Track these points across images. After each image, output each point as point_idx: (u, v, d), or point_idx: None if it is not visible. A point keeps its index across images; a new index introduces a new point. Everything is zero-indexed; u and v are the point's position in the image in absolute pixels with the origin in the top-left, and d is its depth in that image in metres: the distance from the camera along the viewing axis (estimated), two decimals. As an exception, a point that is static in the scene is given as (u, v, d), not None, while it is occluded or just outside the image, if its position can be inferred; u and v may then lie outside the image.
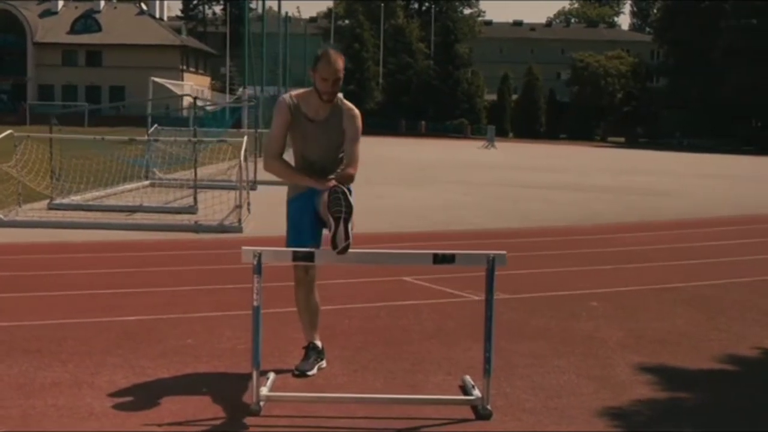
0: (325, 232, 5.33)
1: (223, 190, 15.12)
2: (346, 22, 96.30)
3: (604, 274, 9.69)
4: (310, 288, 5.63)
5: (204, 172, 17.25)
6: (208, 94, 77.59)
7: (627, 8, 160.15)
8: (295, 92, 5.54)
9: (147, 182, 18.28)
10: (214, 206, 13.47)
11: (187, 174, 16.65)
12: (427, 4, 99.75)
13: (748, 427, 4.83)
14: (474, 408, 4.90)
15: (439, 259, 4.76)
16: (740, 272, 10.04)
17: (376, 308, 7.57)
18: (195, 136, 15.01)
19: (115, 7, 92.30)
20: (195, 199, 14.45)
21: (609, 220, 15.53)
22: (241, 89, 53.72)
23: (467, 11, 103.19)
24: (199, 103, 27.79)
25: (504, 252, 4.84)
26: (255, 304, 4.74)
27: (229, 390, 5.19)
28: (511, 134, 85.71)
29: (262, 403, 4.79)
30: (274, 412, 4.79)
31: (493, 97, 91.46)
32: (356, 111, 5.50)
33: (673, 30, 75.43)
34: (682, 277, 9.56)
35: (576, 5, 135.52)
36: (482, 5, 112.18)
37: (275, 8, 67.08)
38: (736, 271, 10.11)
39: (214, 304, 7.51)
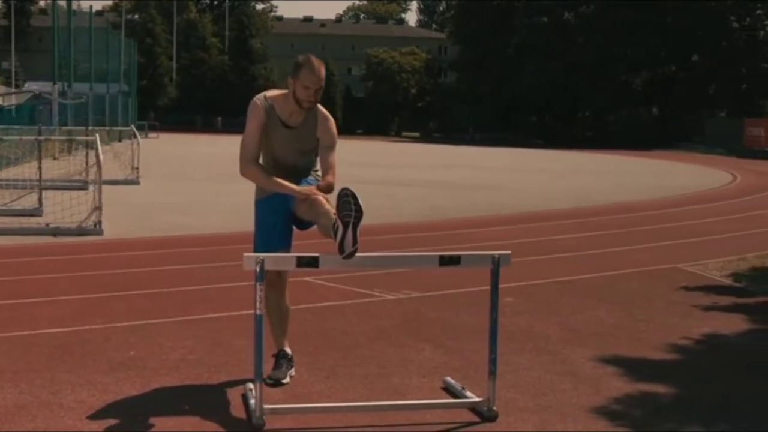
0: (305, 228, 5.14)
1: (57, 190, 14.54)
2: (136, 16, 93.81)
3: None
4: (281, 291, 5.43)
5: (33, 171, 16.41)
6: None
7: (414, 5, 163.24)
8: (269, 93, 5.32)
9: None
10: (55, 206, 12.85)
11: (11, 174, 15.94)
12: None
13: (743, 419, 4.97)
14: (474, 410, 4.84)
15: (445, 261, 4.68)
16: (611, 264, 10.32)
17: (300, 311, 7.32)
18: (40, 133, 14.20)
19: None
20: (40, 200, 13.73)
21: (455, 215, 15.74)
22: (27, 84, 51.61)
23: (260, 6, 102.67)
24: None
25: (509, 252, 4.85)
26: (258, 312, 4.51)
27: (213, 404, 4.94)
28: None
29: (266, 417, 4.56)
30: (276, 425, 4.58)
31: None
32: (331, 118, 5.34)
33: (467, 27, 77.48)
34: (563, 270, 9.79)
35: (365, 2, 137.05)
36: (273, 1, 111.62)
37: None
38: (607, 263, 10.38)
39: (130, 313, 7.13)
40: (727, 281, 9.33)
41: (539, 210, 16.91)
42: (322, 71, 5.13)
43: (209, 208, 15.74)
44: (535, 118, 78.73)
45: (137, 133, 23.46)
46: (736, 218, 15.85)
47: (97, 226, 11.91)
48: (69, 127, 24.96)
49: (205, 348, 6.11)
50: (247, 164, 5.20)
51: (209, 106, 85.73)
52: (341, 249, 4.56)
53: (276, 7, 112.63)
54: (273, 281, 5.29)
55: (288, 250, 5.28)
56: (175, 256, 10.31)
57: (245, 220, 13.53)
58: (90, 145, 18.59)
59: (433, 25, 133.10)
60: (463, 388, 5.12)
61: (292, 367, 5.48)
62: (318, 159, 5.41)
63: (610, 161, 41.06)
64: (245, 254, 4.62)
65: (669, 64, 73.54)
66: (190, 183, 21.36)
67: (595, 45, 67.43)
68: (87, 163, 12.28)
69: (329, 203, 4.90)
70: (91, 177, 17.03)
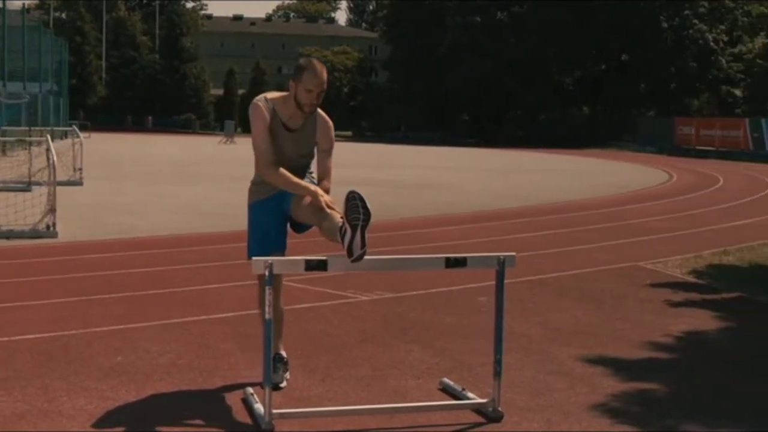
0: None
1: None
2: (63, 15, 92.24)
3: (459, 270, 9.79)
4: (277, 295, 5.36)
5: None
6: None
7: (344, 4, 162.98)
8: (270, 95, 5.26)
9: None
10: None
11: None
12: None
13: (740, 417, 5.05)
14: (479, 411, 4.86)
15: (451, 263, 4.69)
16: (573, 263, 10.42)
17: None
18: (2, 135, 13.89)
19: None
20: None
21: (407, 214, 15.74)
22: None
23: (190, 4, 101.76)
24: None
25: (514, 253, 4.87)
26: (267, 317, 4.46)
27: (214, 409, 4.90)
28: (239, 129, 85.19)
29: (274, 421, 4.52)
30: (284, 429, 4.54)
31: (219, 91, 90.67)
32: (330, 122, 5.31)
33: (399, 27, 77.56)
34: (528, 269, 9.77)
35: (295, 1, 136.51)
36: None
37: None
38: (569, 262, 10.46)
39: (107, 317, 7.03)
40: (690, 278, 9.48)
41: (489, 209, 17.01)
42: (325, 74, 5.10)
43: (154, 209, 15.54)
44: (468, 117, 79.09)
45: (79, 132, 23.10)
46: (681, 216, 16.10)
47: (51, 228, 11.70)
48: (6, 128, 24.44)
49: (192, 352, 6.04)
50: (272, 167, 5.09)
51: (140, 105, 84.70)
52: (350, 252, 4.54)
53: (206, 5, 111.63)
54: (268, 285, 5.24)
55: (283, 253, 5.25)
56: (139, 258, 10.17)
57: (195, 222, 13.63)
58: (33, 145, 18.35)
59: (363, 24, 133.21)
60: (464, 389, 5.14)
61: (287, 370, 5.44)
62: (313, 162, 5.38)
63: (545, 159, 41.42)
64: (254, 258, 4.57)
65: (600, 64, 74.46)
66: (131, 184, 21.08)
67: (528, 44, 67.95)
68: (30, 163, 12.01)
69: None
70: (36, 178, 16.82)
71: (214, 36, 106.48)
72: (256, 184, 5.33)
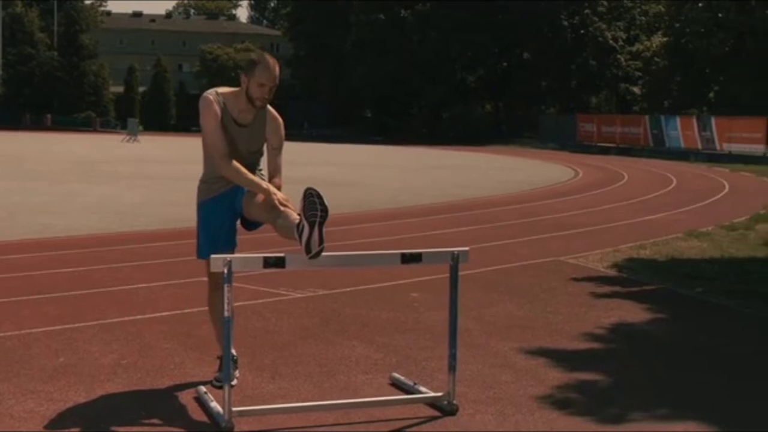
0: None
1: None
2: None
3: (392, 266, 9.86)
4: (220, 292, 5.34)
5: None
6: None
7: (245, 2, 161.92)
8: (220, 90, 5.25)
9: None
10: None
11: None
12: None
13: (681, 402, 5.22)
14: (433, 405, 4.93)
15: (406, 259, 4.75)
16: (498, 258, 10.54)
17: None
18: None
19: None
20: None
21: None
22: None
23: (88, 1, 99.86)
24: None
25: (467, 248, 4.95)
26: (227, 315, 4.45)
27: (169, 409, 4.88)
28: (141, 127, 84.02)
29: (234, 420, 4.52)
30: (243, 428, 4.55)
31: (120, 89, 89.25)
32: (280, 119, 5.32)
33: (303, 24, 77.45)
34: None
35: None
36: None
37: None
38: (494, 257, 10.55)
39: (42, 318, 6.91)
40: (612, 272, 9.71)
41: (407, 205, 17.12)
42: (277, 69, 5.11)
43: (67, 208, 15.27)
44: (372, 115, 79.36)
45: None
46: (594, 212, 16.43)
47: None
48: None
49: (136, 352, 5.99)
50: (225, 160, 5.08)
51: (38, 103, 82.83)
52: (308, 249, 4.56)
53: (105, 2, 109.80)
54: (219, 284, 5.20)
55: (233, 251, 5.25)
56: (61, 258, 9.99)
57: (111, 221, 13.45)
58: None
59: (264, 21, 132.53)
60: (415, 384, 5.20)
61: (236, 368, 5.43)
62: (263, 159, 5.38)
63: (452, 156, 41.78)
64: (213, 257, 4.55)
65: (502, 62, 75.39)
66: (41, 183, 20.64)
67: (431, 42, 68.48)
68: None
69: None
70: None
71: (114, 33, 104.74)
72: (205, 182, 5.31)
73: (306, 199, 4.56)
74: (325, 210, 4.54)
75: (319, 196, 4.54)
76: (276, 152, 5.29)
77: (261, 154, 5.36)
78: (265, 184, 5.05)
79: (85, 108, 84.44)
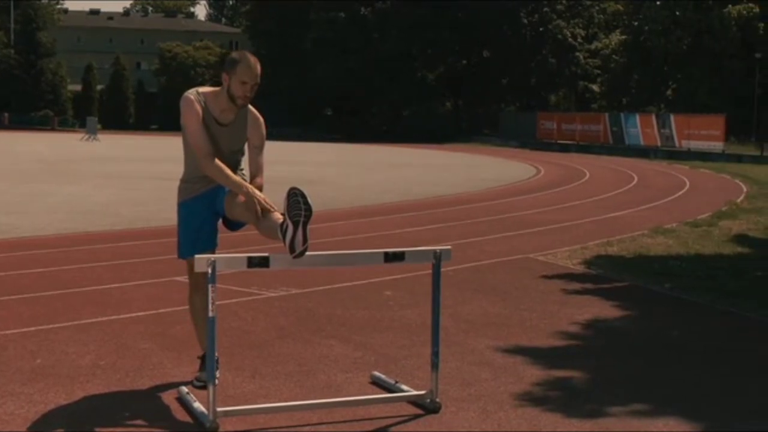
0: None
1: None
2: None
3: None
4: (201, 292, 5.34)
5: None
6: None
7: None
8: (201, 89, 5.24)
9: None
10: None
11: None
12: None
13: (656, 398, 5.28)
14: (415, 403, 4.96)
15: (390, 258, 4.77)
16: (468, 256, 10.53)
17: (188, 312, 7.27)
18: None
19: None
20: None
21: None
22: None
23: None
24: None
25: (449, 247, 4.97)
26: (211, 314, 4.45)
27: (152, 410, 4.87)
28: (99, 126, 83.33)
29: (218, 420, 4.52)
30: (227, 428, 4.55)
31: (78, 87, 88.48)
32: (261, 118, 5.31)
33: (263, 22, 77.21)
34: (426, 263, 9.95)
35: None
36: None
37: None
38: (464, 255, 10.43)
39: (15, 319, 6.86)
40: (581, 269, 9.80)
41: (372, 204, 17.14)
42: (258, 67, 5.12)
43: (31, 208, 15.14)
44: (332, 113, 79.29)
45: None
46: (559, 209, 16.54)
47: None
48: None
49: (113, 352, 5.97)
50: (209, 158, 5.05)
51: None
52: (292, 248, 4.57)
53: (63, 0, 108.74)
54: (201, 284, 5.20)
55: (214, 251, 5.24)
56: (29, 258, 9.91)
57: (77, 221, 13.34)
58: None
59: (223, 19, 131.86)
60: (397, 382, 5.22)
61: (218, 368, 5.41)
62: (245, 159, 5.38)
63: (413, 154, 41.82)
64: (197, 257, 4.56)
65: (462, 59, 75.59)
66: (2, 183, 20.45)
67: (392, 40, 68.54)
68: None
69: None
70: None
71: (71, 31, 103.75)
72: (186, 182, 5.29)
73: (290, 199, 4.57)
74: (309, 209, 4.56)
75: (303, 196, 4.56)
76: (257, 151, 5.29)
77: (242, 154, 5.35)
78: (248, 188, 5.02)
79: (42, 106, 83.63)
